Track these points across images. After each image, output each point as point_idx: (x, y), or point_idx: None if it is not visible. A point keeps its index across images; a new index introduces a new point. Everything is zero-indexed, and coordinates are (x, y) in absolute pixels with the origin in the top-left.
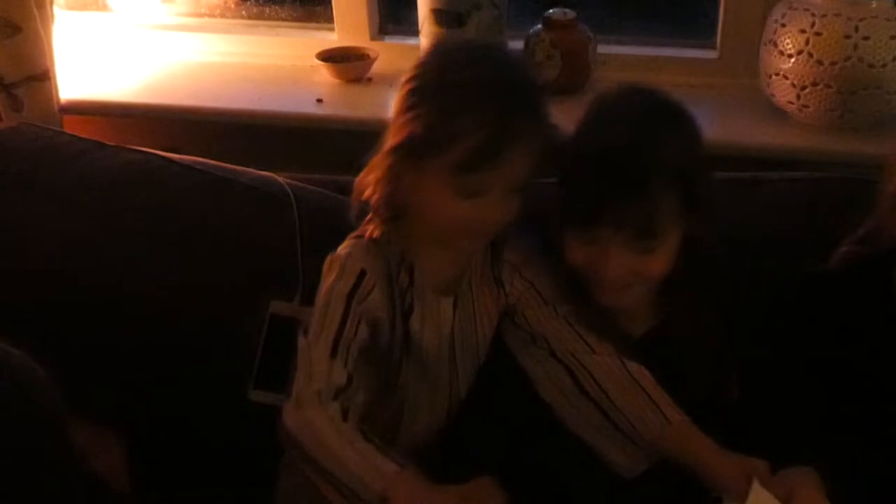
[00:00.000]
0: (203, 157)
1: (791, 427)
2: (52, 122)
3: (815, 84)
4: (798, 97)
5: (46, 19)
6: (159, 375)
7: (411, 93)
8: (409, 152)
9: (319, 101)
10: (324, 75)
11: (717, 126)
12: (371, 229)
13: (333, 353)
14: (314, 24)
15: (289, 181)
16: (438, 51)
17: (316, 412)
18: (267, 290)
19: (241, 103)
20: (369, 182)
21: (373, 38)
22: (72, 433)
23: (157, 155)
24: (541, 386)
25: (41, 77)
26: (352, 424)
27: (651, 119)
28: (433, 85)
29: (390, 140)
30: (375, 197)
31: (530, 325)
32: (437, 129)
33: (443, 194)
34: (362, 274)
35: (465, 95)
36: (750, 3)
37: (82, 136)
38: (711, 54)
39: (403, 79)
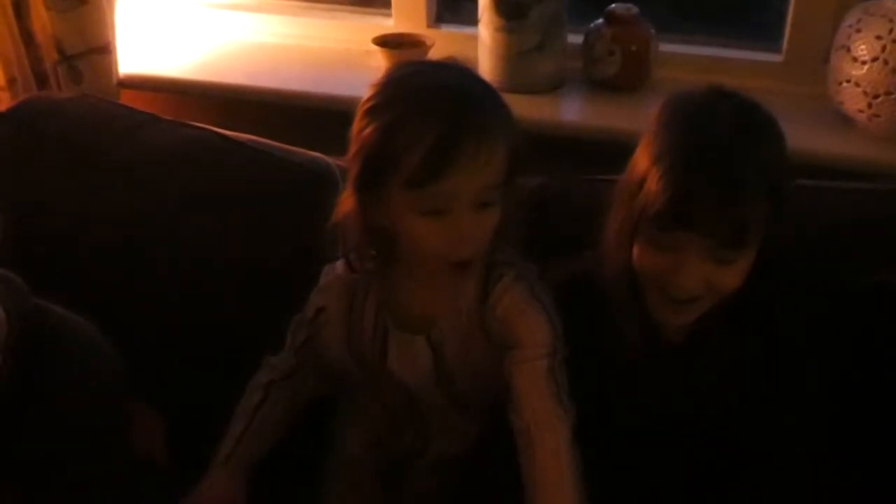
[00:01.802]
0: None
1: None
2: (110, 95)
3: (888, 93)
4: (869, 105)
5: None
6: (203, 353)
7: (364, 113)
8: (368, 178)
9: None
10: (379, 60)
11: None
12: (359, 264)
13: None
14: (371, 9)
15: (337, 163)
16: (392, 70)
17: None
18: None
19: (294, 85)
20: (343, 222)
21: (430, 26)
22: (130, 410)
23: (212, 131)
24: None
25: (102, 50)
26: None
27: (746, 123)
28: (385, 100)
29: (351, 172)
30: (355, 239)
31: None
32: (387, 144)
33: (410, 216)
34: (321, 310)
35: (414, 102)
36: (821, 6)
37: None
38: (776, 58)
39: (361, 103)
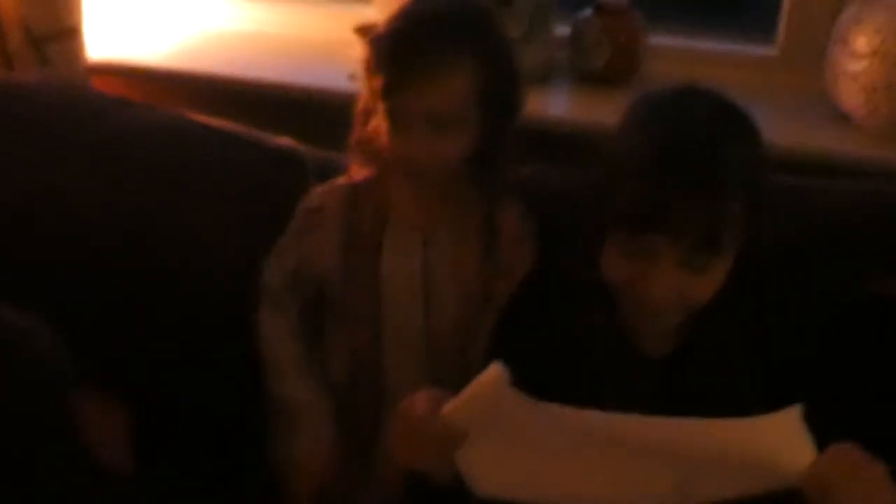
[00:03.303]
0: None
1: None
2: (79, 80)
3: (887, 87)
4: (867, 101)
5: None
6: (172, 348)
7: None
8: (371, 85)
9: (352, 76)
10: (358, 50)
11: (774, 128)
12: (353, 171)
13: (289, 284)
14: None
15: (309, 151)
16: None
17: (268, 313)
18: None
19: (272, 74)
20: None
21: None
22: (76, 405)
23: (181, 116)
24: None
25: (70, 33)
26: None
27: (722, 120)
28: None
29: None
30: (356, 135)
31: None
32: (375, 58)
33: (384, 122)
34: (317, 210)
35: (391, 25)
36: None
37: None
38: (771, 51)
39: None
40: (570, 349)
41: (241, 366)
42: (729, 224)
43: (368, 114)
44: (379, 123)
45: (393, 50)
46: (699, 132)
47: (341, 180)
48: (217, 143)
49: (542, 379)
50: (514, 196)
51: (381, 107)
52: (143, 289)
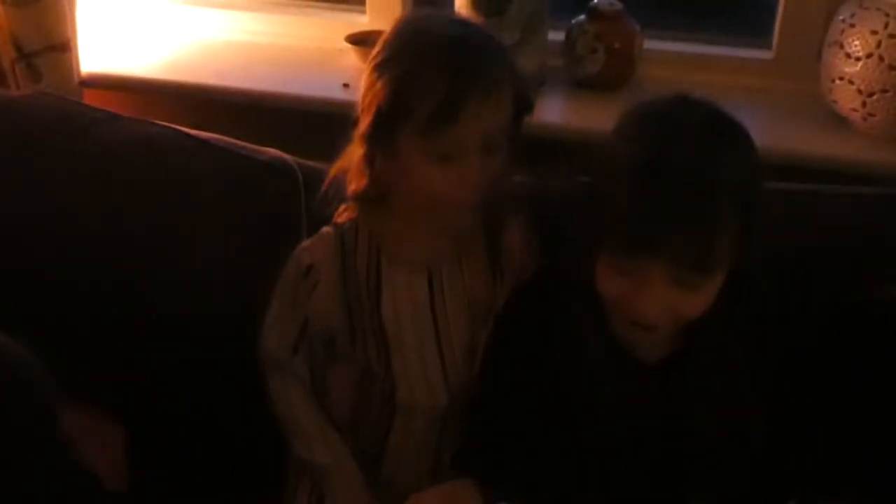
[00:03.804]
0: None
1: (825, 463)
2: (72, 94)
3: (884, 91)
4: (864, 104)
5: None
6: (165, 359)
7: (374, 68)
8: (379, 129)
9: (346, 85)
10: (352, 59)
11: (769, 133)
12: (340, 214)
13: (295, 349)
14: (345, 6)
15: (299, 162)
16: (397, 26)
17: (278, 381)
18: (272, 269)
19: (265, 85)
20: (344, 171)
21: None
22: (64, 426)
23: (171, 129)
24: None
25: (62, 47)
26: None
27: (713, 136)
28: (393, 54)
29: (361, 124)
30: (356, 189)
31: None
32: (401, 94)
33: (419, 163)
34: (309, 268)
35: (423, 55)
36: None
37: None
38: (767, 54)
39: (369, 59)
40: (567, 351)
41: (239, 370)
42: (721, 244)
43: (346, 171)
44: (404, 166)
45: (443, 75)
46: (689, 149)
47: (325, 229)
48: (209, 156)
49: (539, 380)
50: (513, 208)
51: (414, 145)
52: (136, 298)
